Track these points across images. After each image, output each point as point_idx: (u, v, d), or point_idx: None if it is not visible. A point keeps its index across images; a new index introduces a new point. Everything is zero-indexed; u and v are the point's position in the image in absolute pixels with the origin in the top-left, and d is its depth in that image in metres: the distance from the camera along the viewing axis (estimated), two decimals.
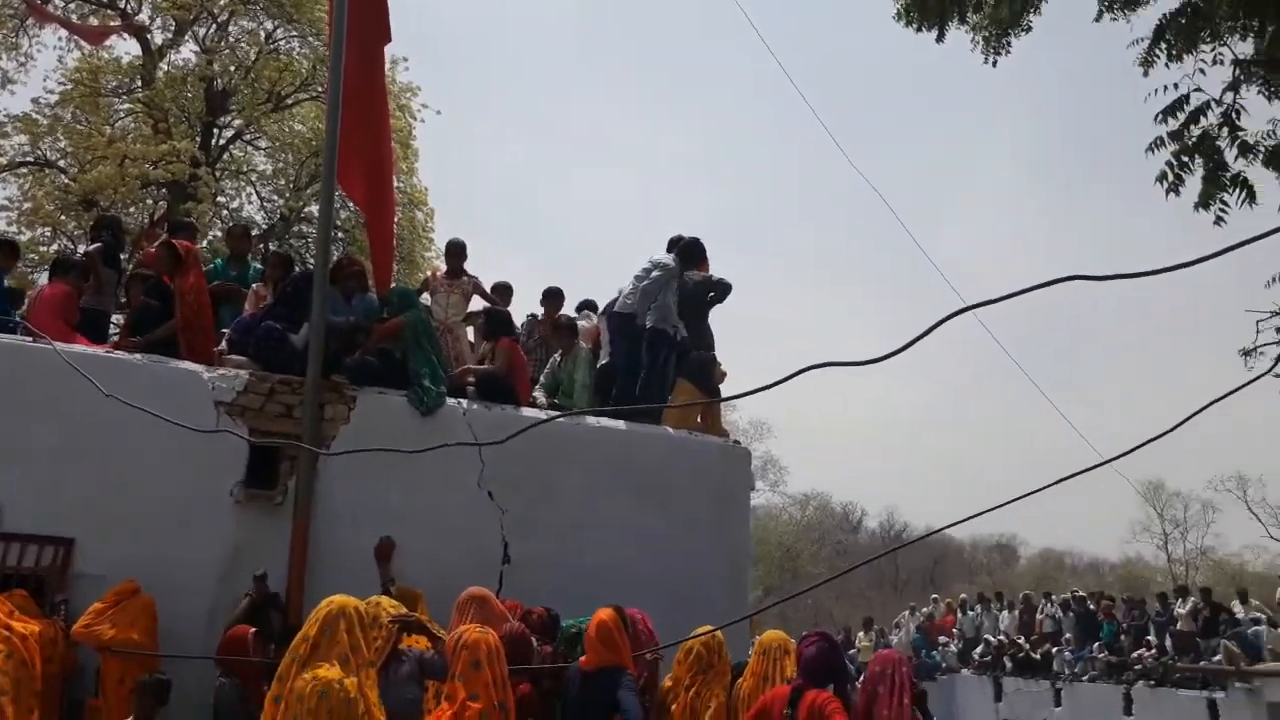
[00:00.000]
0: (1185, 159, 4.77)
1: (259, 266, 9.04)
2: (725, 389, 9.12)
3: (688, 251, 8.94)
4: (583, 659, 5.57)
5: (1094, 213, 66.74)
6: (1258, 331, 5.32)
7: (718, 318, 9.22)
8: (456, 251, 9.77)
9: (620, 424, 7.91)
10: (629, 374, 8.38)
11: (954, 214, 70.79)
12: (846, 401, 71.09)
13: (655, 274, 8.56)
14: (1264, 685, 16.49)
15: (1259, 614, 18.73)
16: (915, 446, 70.34)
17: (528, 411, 7.68)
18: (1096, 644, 20.89)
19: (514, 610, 6.29)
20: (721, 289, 9.08)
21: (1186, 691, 17.98)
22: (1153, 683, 18.77)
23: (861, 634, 25.58)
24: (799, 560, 38.61)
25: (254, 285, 8.47)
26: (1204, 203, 4.74)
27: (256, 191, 20.62)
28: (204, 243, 15.90)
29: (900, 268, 70.35)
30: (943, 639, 24.72)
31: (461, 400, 7.51)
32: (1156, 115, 5.16)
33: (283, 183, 20.16)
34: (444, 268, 10.02)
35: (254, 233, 14.92)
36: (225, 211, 19.43)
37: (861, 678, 5.77)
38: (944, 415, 69.71)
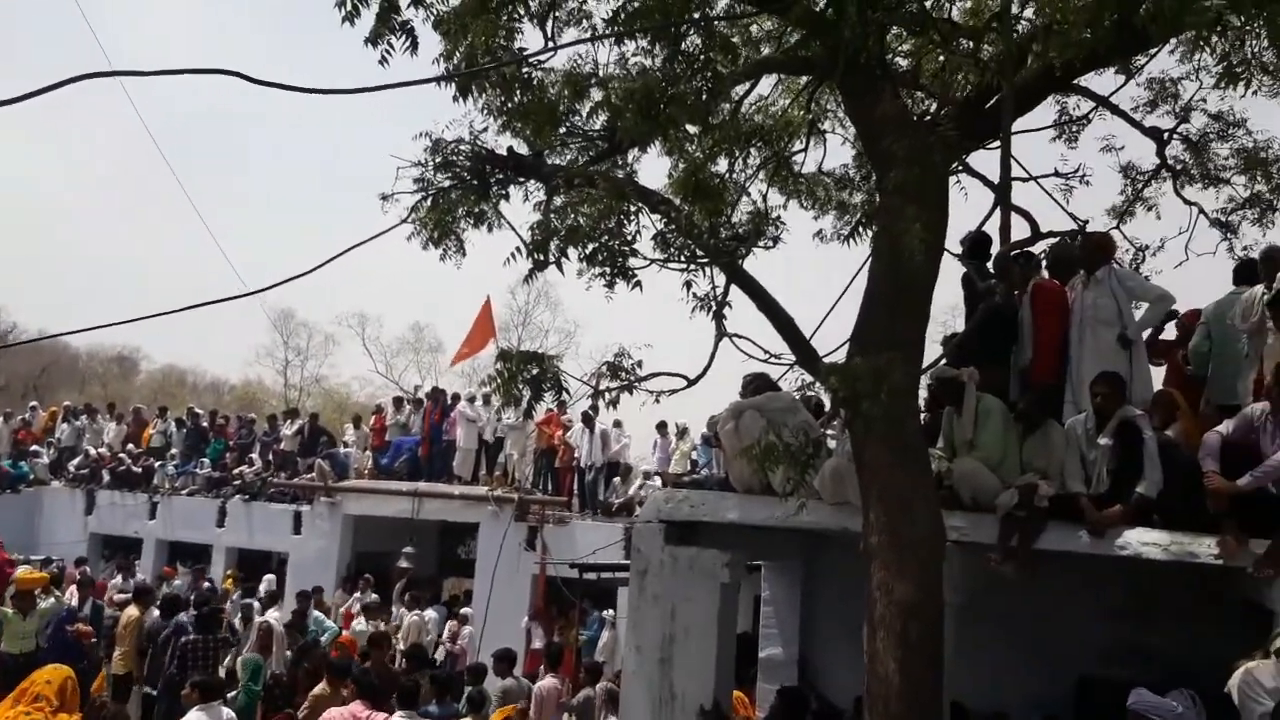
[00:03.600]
0: None
1: None
2: None
3: None
4: None
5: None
6: (396, 178, 5.70)
7: None
8: None
9: None
10: None
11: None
12: None
13: None
14: (344, 499, 18.64)
15: (355, 438, 21.08)
16: (42, 240, 63.26)
17: None
18: (203, 459, 21.37)
19: None
20: None
21: (277, 505, 19.47)
22: (248, 497, 19.90)
23: None
24: None
25: None
26: (373, 40, 4.85)
27: None
28: None
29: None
30: (35, 448, 22.83)
31: None
32: None
33: None
34: None
35: None
36: None
37: None
38: (84, 212, 63.81)
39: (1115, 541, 5.88)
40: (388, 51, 4.86)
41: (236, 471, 20.70)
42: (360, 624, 13.89)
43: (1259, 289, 6.95)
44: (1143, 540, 5.85)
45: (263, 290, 5.76)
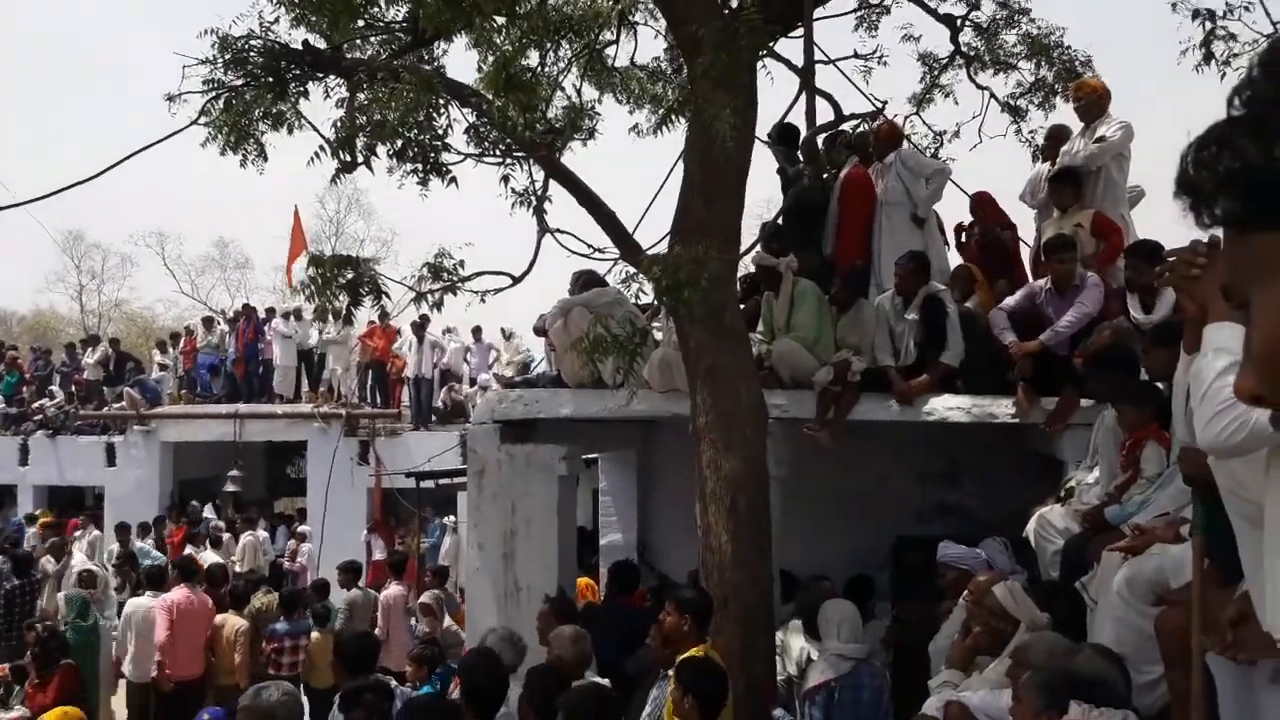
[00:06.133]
0: None
1: None
2: None
3: None
4: None
5: None
6: (183, 78, 5.32)
7: None
8: None
9: None
10: None
11: None
12: None
13: None
14: (160, 426, 17.75)
15: (166, 362, 20.02)
16: None
17: None
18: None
19: None
20: None
21: (87, 437, 18.34)
22: (52, 432, 18.66)
23: None
24: None
25: None
26: None
27: None
28: None
29: None
30: None
31: None
32: None
33: None
34: None
35: None
36: None
37: None
38: None
39: (923, 408, 6.29)
40: None
41: (36, 406, 19.34)
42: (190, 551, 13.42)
43: (1044, 167, 7.42)
44: (947, 405, 6.28)
45: (33, 201, 5.31)
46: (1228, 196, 0.65)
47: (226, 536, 14.74)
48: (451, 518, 14.76)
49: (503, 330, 18.26)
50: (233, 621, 8.87)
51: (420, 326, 17.07)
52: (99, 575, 10.73)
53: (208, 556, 12.47)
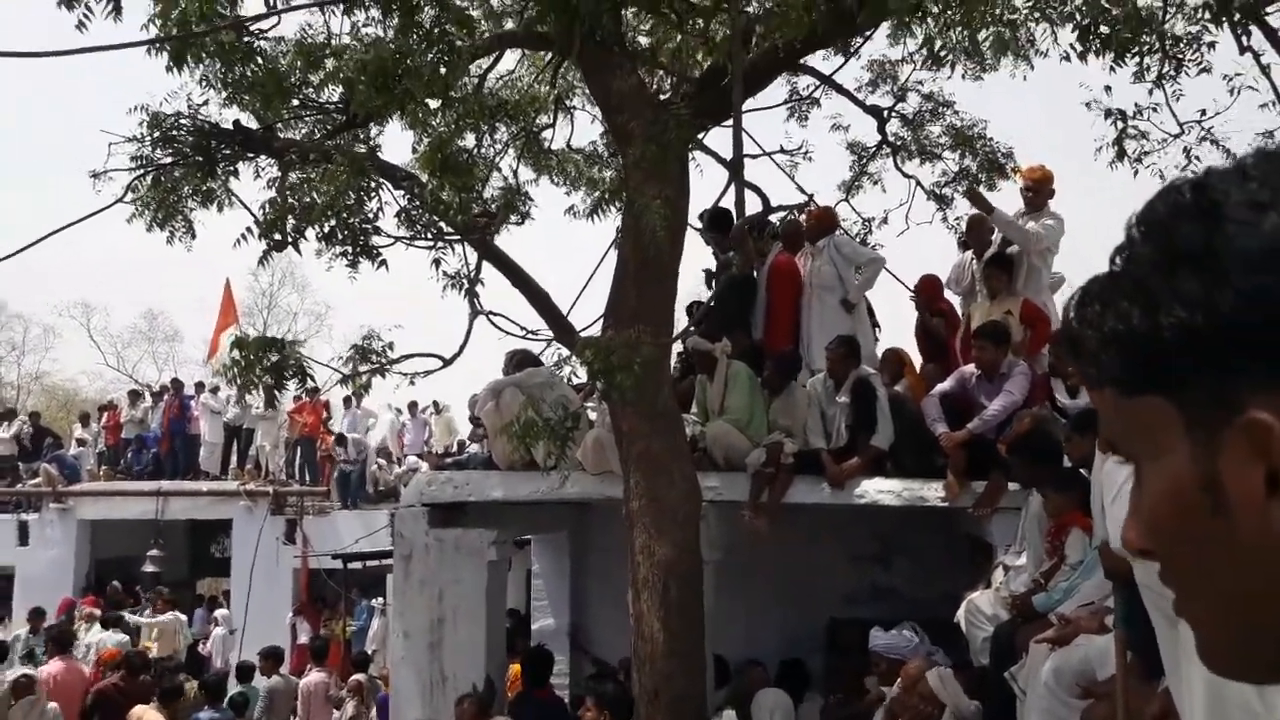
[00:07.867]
0: None
1: None
2: None
3: None
4: None
5: None
6: (109, 154, 5.25)
7: None
8: None
9: None
10: None
11: None
12: None
13: None
14: (78, 504, 17.10)
15: (86, 437, 19.39)
16: None
17: None
18: None
19: None
20: None
21: None
22: None
23: None
24: None
25: None
26: (67, 1, 4.39)
27: None
28: None
29: None
30: None
31: None
32: None
33: None
34: None
35: None
36: None
37: None
38: None
39: (854, 491, 6.31)
40: (86, 15, 4.41)
41: None
42: (96, 633, 12.70)
43: (969, 255, 7.61)
44: (879, 489, 6.31)
45: None
46: (1111, 357, 0.64)
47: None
48: (380, 599, 14.35)
49: (435, 404, 18.06)
50: (149, 717, 8.37)
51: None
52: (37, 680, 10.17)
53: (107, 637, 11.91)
